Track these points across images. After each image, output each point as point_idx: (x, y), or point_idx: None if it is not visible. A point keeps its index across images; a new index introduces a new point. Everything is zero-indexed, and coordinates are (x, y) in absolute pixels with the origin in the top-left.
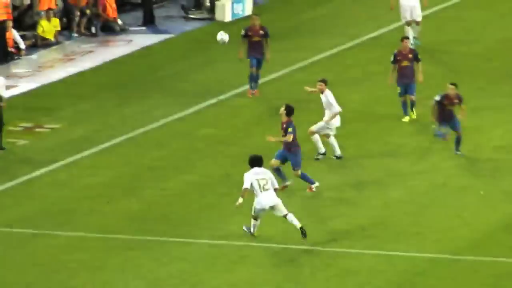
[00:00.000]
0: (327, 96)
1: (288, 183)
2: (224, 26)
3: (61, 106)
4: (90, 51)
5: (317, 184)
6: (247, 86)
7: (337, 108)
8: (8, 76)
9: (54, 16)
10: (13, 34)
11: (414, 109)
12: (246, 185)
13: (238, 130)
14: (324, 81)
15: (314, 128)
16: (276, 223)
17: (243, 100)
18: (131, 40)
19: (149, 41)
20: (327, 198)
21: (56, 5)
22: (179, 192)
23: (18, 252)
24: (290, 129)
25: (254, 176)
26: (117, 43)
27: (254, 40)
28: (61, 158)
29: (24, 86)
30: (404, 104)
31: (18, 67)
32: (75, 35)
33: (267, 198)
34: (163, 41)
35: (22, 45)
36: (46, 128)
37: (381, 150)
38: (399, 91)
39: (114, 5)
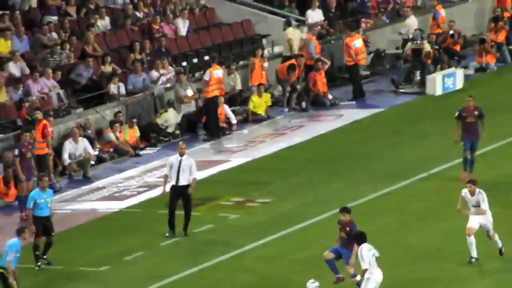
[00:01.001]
0: (483, 194)
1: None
2: (434, 99)
3: (272, 180)
4: (301, 126)
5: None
6: (458, 160)
7: (487, 206)
8: (220, 151)
9: (265, 91)
10: (225, 110)
11: None
12: (366, 265)
13: (449, 205)
14: (473, 182)
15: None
16: None
17: (454, 174)
18: (341, 115)
19: (359, 116)
20: None
21: (267, 80)
22: (391, 266)
23: None
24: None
25: (369, 253)
26: (327, 117)
27: (468, 121)
28: (272, 232)
29: (236, 161)
30: None
31: (229, 142)
32: (286, 110)
33: (380, 273)
34: (373, 115)
35: (234, 120)
36: (257, 202)
37: None
38: None
39: (324, 80)
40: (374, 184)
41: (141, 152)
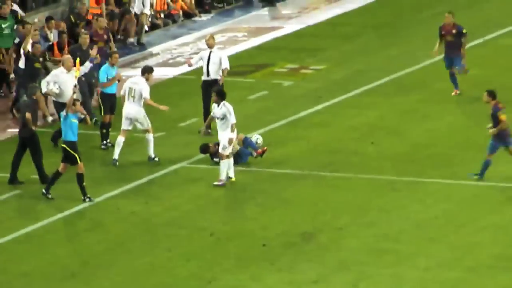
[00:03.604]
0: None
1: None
2: None
3: (326, 47)
4: None
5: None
6: None
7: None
8: (275, 18)
9: None
10: None
11: None
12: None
13: (503, 71)
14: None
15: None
16: None
17: (510, 40)
18: None
19: None
20: None
21: None
22: (444, 133)
23: (285, 191)
24: None
25: None
26: None
27: (447, 40)
28: (326, 99)
29: (290, 27)
30: None
31: (285, 9)
32: None
33: None
34: None
35: None
36: (311, 69)
37: None
38: None
39: None
40: (429, 51)
41: (195, 19)
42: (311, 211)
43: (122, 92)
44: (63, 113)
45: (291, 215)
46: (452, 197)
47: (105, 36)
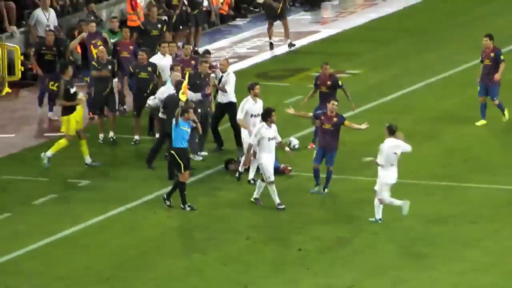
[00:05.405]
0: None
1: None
2: None
3: (362, 51)
4: None
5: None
6: None
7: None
8: (318, 21)
9: None
10: None
11: None
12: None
13: None
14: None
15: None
16: None
17: None
18: None
19: None
20: None
21: None
22: (480, 137)
23: (321, 195)
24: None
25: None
26: None
27: (321, 91)
28: (362, 103)
29: (326, 31)
30: None
31: (319, 12)
32: None
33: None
34: None
35: None
36: (347, 73)
37: None
38: None
39: None
40: (466, 55)
41: (232, 23)
42: (346, 215)
43: None
44: (173, 121)
45: (327, 219)
46: (488, 201)
47: (192, 62)
